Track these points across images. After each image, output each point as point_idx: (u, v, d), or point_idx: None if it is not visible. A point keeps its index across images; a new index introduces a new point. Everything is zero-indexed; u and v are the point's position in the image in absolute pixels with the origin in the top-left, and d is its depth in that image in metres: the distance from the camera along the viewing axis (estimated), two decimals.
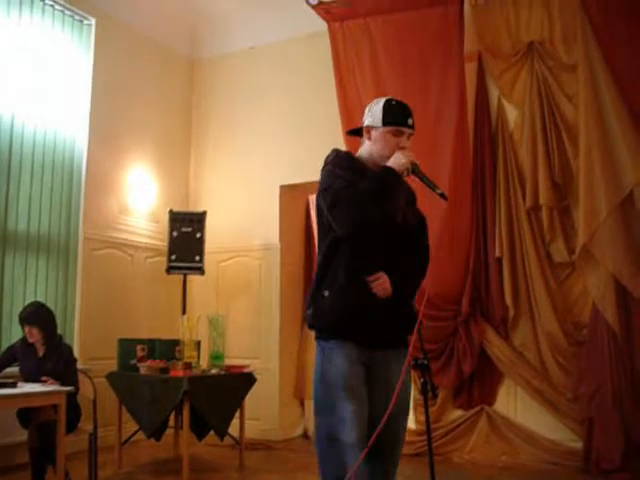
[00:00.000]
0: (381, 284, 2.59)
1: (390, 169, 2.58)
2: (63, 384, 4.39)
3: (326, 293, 2.63)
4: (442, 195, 2.60)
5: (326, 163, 2.71)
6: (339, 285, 2.61)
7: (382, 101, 2.72)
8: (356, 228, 2.55)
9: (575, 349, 5.51)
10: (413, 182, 2.69)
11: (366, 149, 2.75)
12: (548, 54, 5.81)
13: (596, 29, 5.44)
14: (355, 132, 2.87)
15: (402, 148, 2.65)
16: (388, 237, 2.65)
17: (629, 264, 5.23)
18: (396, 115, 2.69)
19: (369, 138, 2.73)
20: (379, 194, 2.54)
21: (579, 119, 5.51)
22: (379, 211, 2.55)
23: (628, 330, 5.31)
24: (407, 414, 2.75)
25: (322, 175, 2.69)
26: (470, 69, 6.04)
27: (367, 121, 2.74)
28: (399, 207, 2.66)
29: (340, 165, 2.66)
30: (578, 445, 5.37)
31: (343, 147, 2.97)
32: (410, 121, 2.69)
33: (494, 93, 6.09)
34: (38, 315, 4.66)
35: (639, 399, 5.23)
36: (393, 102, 2.73)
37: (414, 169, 2.62)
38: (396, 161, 2.59)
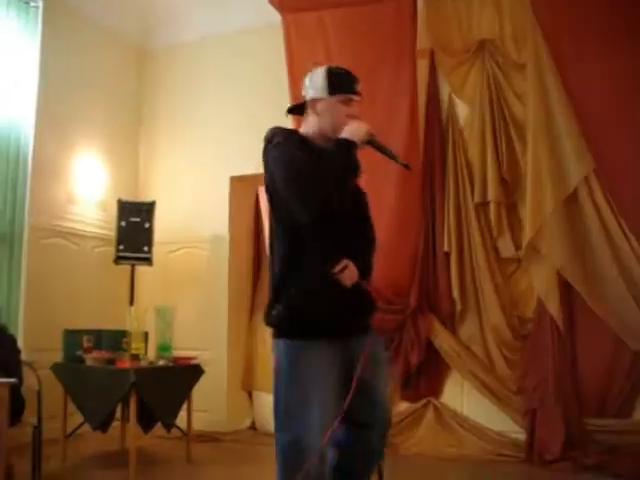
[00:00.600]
0: (349, 274, 2.43)
1: (349, 141, 2.40)
2: (6, 375, 4.30)
3: (294, 289, 2.44)
4: (405, 166, 2.51)
5: (271, 142, 2.45)
6: (310, 279, 2.42)
7: (322, 70, 2.56)
8: (324, 210, 2.32)
9: (520, 343, 5.63)
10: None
11: (312, 124, 2.57)
12: (499, 52, 5.91)
13: (545, 30, 5.55)
14: (294, 110, 2.70)
15: (353, 117, 2.51)
16: (346, 218, 2.49)
17: (573, 260, 5.35)
18: (343, 82, 2.54)
19: (315, 112, 2.55)
20: (346, 170, 2.38)
21: (527, 117, 5.61)
22: (347, 189, 2.40)
23: (571, 325, 5.45)
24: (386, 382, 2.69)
25: (271, 157, 2.42)
26: (422, 65, 6.09)
27: (310, 94, 2.56)
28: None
29: (285, 138, 2.44)
30: (521, 436, 5.49)
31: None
32: (358, 87, 2.55)
33: (445, 89, 6.16)
34: None
35: (580, 392, 5.38)
36: (335, 70, 2.57)
37: (370, 140, 2.48)
38: (354, 132, 2.43)
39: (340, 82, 2.53)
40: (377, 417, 2.60)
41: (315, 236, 2.42)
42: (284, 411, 2.44)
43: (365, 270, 2.55)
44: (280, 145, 2.42)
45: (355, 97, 2.55)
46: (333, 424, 2.35)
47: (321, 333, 2.43)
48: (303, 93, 2.61)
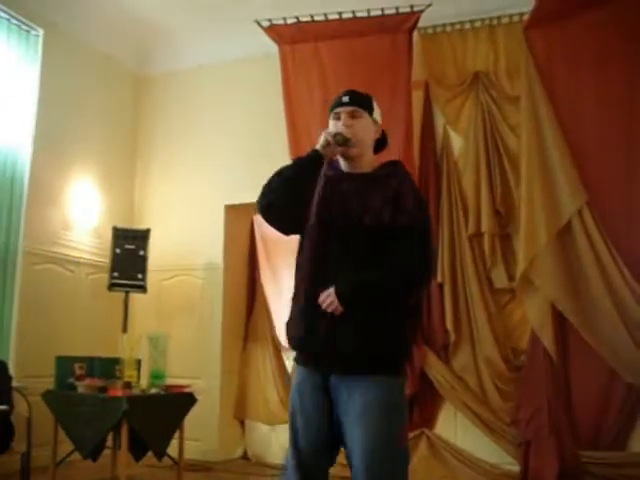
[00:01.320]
0: (328, 304, 2.29)
1: (312, 150, 2.44)
2: None
3: (289, 311, 2.52)
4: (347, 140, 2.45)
5: (425, 202, 2.56)
6: (293, 304, 2.49)
7: None
8: (265, 213, 2.40)
9: (514, 374, 5.62)
10: None
11: None
12: (493, 85, 5.99)
13: (539, 63, 5.62)
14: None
15: (348, 126, 2.50)
16: (345, 240, 2.38)
17: (567, 291, 5.36)
18: (334, 102, 2.58)
19: None
20: (290, 173, 2.41)
21: (521, 149, 5.66)
22: (284, 190, 2.36)
23: (565, 356, 5.45)
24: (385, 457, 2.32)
25: (430, 232, 2.52)
26: (417, 97, 6.16)
27: None
28: (359, 207, 2.41)
29: None
30: (515, 468, 5.45)
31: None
32: (345, 98, 2.55)
33: (440, 121, 6.22)
34: None
35: (574, 424, 5.36)
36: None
37: (337, 140, 2.43)
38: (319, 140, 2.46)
39: (332, 103, 2.59)
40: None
41: (302, 262, 2.49)
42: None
43: (362, 300, 2.33)
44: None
45: (340, 109, 2.54)
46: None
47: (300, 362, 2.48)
48: (378, 119, 2.67)
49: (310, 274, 2.43)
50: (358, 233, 2.38)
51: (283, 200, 2.37)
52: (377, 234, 2.37)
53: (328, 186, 2.48)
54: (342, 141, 2.44)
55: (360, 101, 2.57)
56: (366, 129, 2.54)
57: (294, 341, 2.47)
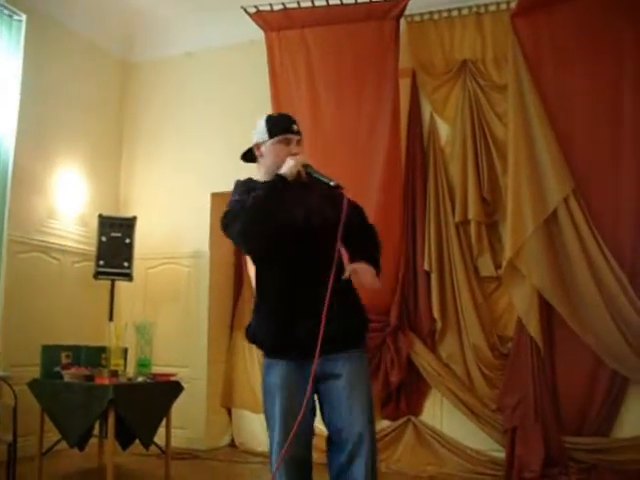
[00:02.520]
0: (364, 272, 2.67)
1: (278, 176, 2.64)
2: None
3: (255, 315, 2.78)
4: (337, 186, 2.63)
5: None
6: (262, 308, 2.75)
7: (263, 118, 2.83)
8: (254, 242, 2.63)
9: (500, 362, 5.65)
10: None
11: (260, 169, 2.82)
12: (480, 73, 5.98)
13: (526, 51, 5.62)
14: (248, 159, 2.91)
15: (295, 154, 2.72)
16: (305, 244, 2.65)
17: (553, 280, 5.38)
18: (279, 124, 2.78)
19: (260, 155, 2.80)
20: (265, 201, 2.58)
21: (508, 137, 5.67)
22: (267, 217, 2.57)
23: (550, 344, 5.48)
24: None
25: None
26: (404, 85, 6.15)
27: (254, 140, 2.80)
28: (302, 212, 2.67)
29: (235, 191, 2.74)
30: (501, 455, 5.49)
31: None
32: (295, 127, 2.78)
33: (427, 109, 6.21)
34: None
35: (559, 410, 5.41)
36: (274, 115, 2.90)
37: (307, 170, 2.69)
38: (286, 167, 2.66)
39: (277, 125, 2.78)
40: (344, 434, 2.61)
41: (268, 266, 2.73)
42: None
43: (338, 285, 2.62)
44: (232, 196, 2.75)
45: (292, 136, 2.77)
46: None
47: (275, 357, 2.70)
48: (252, 142, 2.83)
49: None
50: (314, 233, 2.69)
51: (271, 223, 2.59)
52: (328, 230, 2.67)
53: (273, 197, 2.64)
54: (308, 172, 2.69)
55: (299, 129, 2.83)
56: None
57: (272, 340, 2.69)
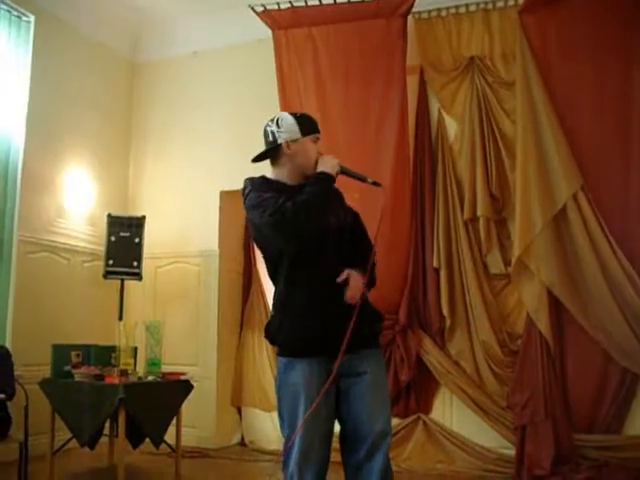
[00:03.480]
0: (354, 283, 2.62)
1: (325, 173, 2.65)
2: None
3: (279, 314, 2.69)
4: (375, 183, 2.71)
5: (246, 195, 2.69)
6: (291, 308, 2.65)
7: (289, 116, 2.78)
8: (305, 238, 2.55)
9: (510, 359, 5.63)
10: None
11: (282, 168, 2.76)
12: (488, 70, 5.96)
13: (534, 48, 5.60)
14: (261, 158, 2.85)
15: (321, 154, 2.75)
16: (335, 244, 2.71)
17: (562, 276, 5.37)
18: (311, 123, 2.79)
19: (290, 153, 2.72)
20: (324, 198, 2.61)
21: (516, 134, 5.65)
22: (325, 216, 2.62)
23: (560, 341, 5.47)
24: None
25: (250, 205, 2.64)
26: (412, 82, 6.14)
27: (283, 137, 2.72)
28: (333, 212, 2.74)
29: (258, 188, 2.67)
30: (511, 452, 5.48)
31: None
32: (319, 126, 2.81)
33: (435, 106, 6.20)
34: None
35: (569, 408, 5.39)
36: (300, 114, 2.83)
37: (342, 169, 2.72)
38: (329, 164, 2.68)
39: (308, 123, 2.78)
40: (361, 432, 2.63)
41: (304, 263, 2.63)
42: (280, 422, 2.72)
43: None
44: (251, 192, 2.66)
45: (319, 135, 2.81)
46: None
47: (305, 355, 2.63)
48: (270, 139, 2.76)
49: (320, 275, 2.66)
50: (336, 233, 2.74)
51: (328, 222, 2.68)
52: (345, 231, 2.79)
53: (329, 194, 2.70)
54: (342, 171, 2.73)
55: None
56: None
57: (302, 339, 2.62)
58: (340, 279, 2.61)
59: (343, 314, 2.54)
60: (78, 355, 5.32)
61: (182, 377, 5.55)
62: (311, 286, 2.64)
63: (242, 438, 6.90)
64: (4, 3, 5.98)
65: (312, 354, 2.60)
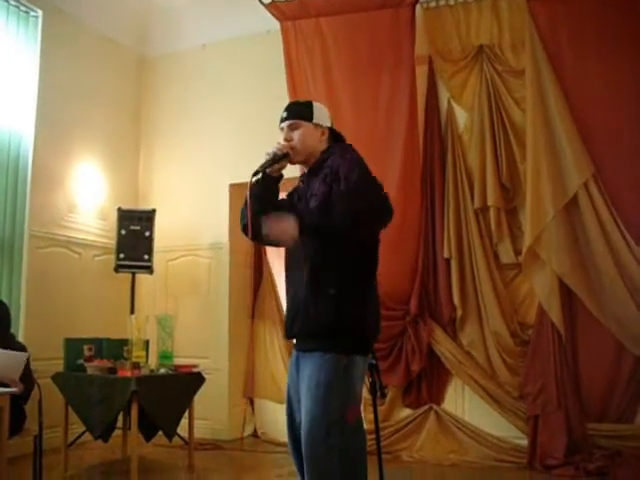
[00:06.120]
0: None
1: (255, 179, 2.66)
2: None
3: (352, 307, 2.52)
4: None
5: (357, 161, 2.59)
6: (370, 300, 2.62)
7: (319, 104, 2.85)
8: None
9: (521, 349, 5.62)
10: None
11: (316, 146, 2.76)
12: (497, 59, 5.93)
13: (543, 36, 5.57)
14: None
15: (288, 140, 2.72)
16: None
17: (574, 265, 5.35)
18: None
19: (322, 139, 2.77)
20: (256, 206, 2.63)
21: (526, 123, 5.62)
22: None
23: (572, 330, 5.45)
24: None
25: (357, 172, 2.51)
26: (421, 72, 6.11)
27: (327, 122, 2.79)
28: None
29: (364, 166, 2.61)
30: (523, 442, 5.48)
31: None
32: (284, 114, 2.76)
33: (444, 95, 6.17)
34: None
35: (582, 397, 5.38)
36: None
37: (275, 157, 2.66)
38: None
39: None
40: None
41: (371, 256, 2.63)
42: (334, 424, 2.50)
43: None
44: (362, 162, 2.62)
45: (283, 124, 2.78)
46: None
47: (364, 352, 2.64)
48: (321, 122, 2.76)
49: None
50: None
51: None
52: None
53: (295, 195, 2.77)
54: (278, 158, 2.65)
55: (298, 112, 2.76)
56: (307, 136, 2.72)
57: (375, 336, 2.66)
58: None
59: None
60: (90, 349, 5.35)
61: (194, 369, 5.58)
62: (376, 277, 2.67)
63: (255, 430, 6.93)
64: None
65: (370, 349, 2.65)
